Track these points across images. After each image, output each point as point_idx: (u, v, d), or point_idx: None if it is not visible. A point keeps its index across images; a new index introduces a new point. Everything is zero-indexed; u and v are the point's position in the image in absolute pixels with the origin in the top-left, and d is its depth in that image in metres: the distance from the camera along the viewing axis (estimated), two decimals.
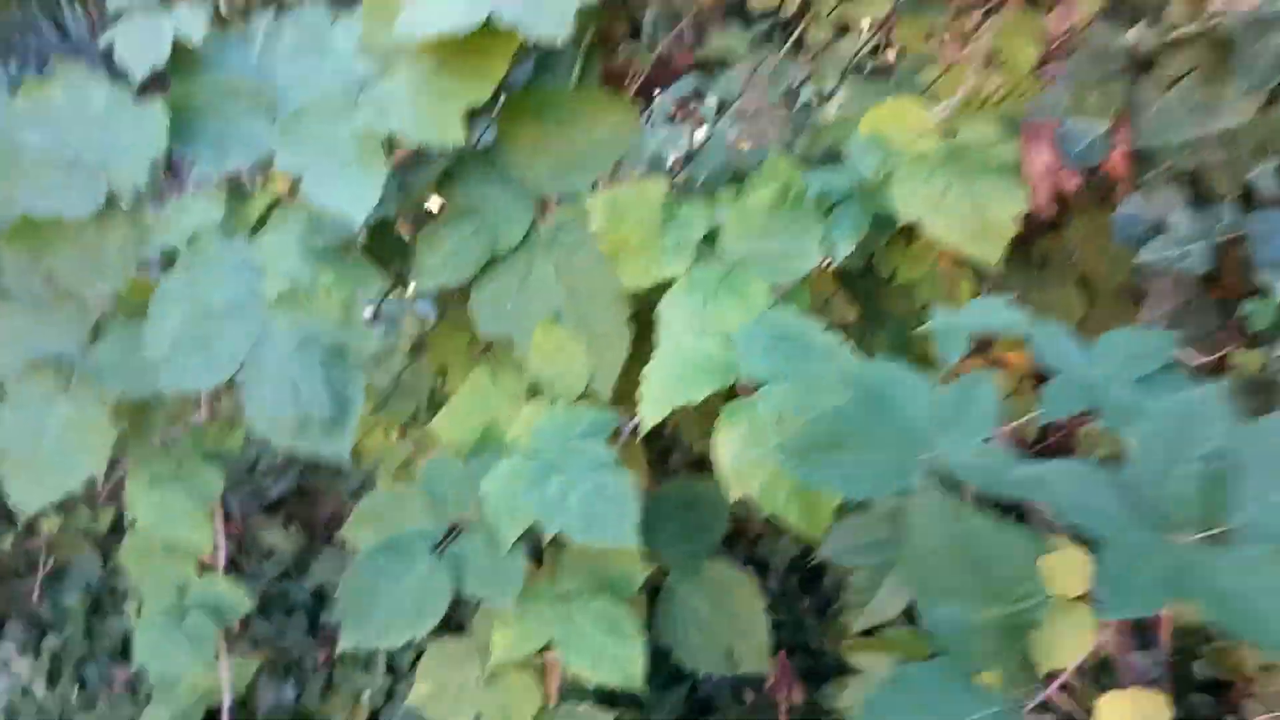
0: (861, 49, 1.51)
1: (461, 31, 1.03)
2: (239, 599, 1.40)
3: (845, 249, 1.18)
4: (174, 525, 1.32)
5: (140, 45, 1.23)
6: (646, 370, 1.09)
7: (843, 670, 1.60)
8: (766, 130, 1.46)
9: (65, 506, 2.05)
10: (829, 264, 1.23)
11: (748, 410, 1.04)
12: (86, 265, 1.18)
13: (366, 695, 1.69)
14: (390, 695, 1.69)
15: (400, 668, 1.73)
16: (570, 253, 1.22)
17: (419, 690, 1.25)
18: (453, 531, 1.17)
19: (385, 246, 1.35)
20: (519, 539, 1.11)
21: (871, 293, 1.49)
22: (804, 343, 1.09)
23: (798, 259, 1.16)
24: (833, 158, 1.45)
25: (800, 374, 1.06)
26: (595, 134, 1.22)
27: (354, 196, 1.10)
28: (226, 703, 1.47)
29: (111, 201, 1.19)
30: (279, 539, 1.95)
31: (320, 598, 1.91)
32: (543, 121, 1.23)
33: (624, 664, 1.09)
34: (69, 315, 1.27)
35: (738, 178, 1.60)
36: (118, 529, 2.05)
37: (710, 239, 1.17)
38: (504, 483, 1.13)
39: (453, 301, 1.63)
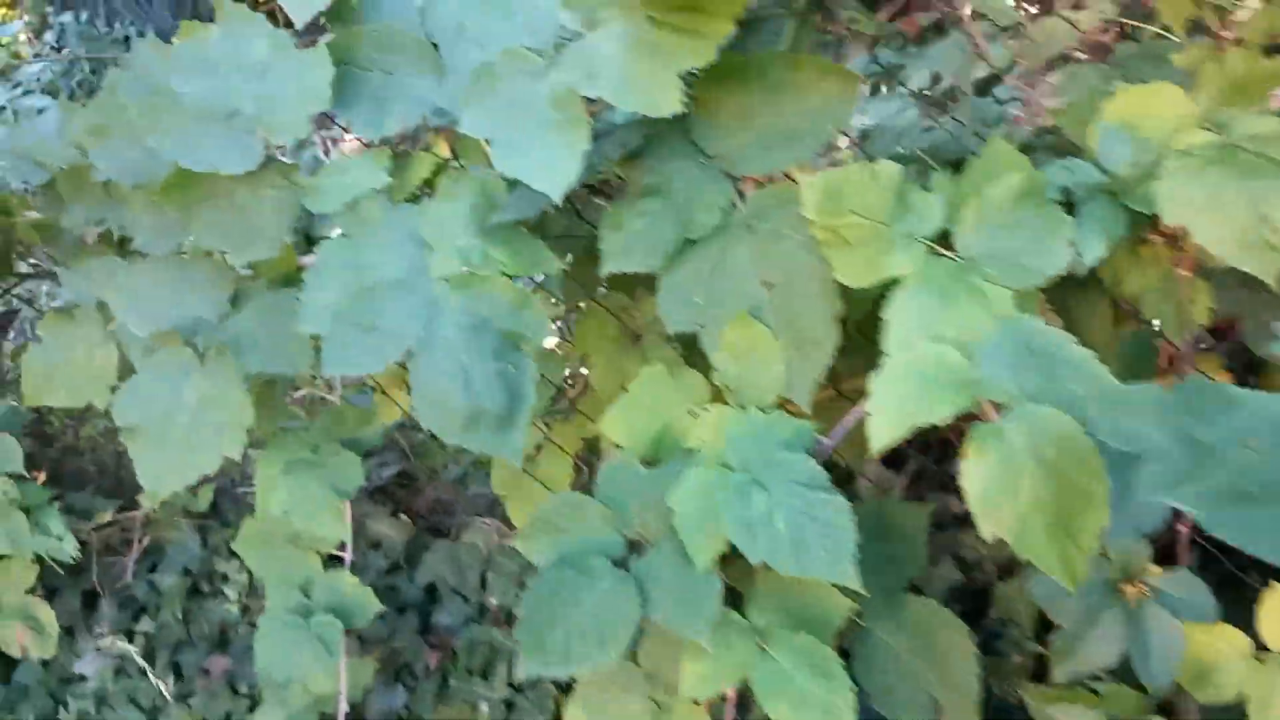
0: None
1: None
2: (367, 600, 1.29)
3: (1096, 251, 1.03)
4: (308, 516, 1.20)
5: None
6: (875, 382, 0.95)
7: (1007, 713, 1.45)
8: (973, 112, 1.31)
9: None
10: None
11: (998, 435, 0.91)
12: (239, 227, 1.06)
13: (485, 707, 1.57)
14: (511, 708, 1.56)
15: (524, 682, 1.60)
16: (772, 241, 1.08)
17: (572, 717, 1.13)
18: (636, 547, 1.04)
19: (538, 224, 1.22)
20: (713, 562, 0.98)
21: (1070, 302, 1.34)
22: (1054, 356, 0.95)
23: (1043, 259, 1.01)
24: (1044, 147, 1.31)
25: (1055, 394, 0.93)
26: (807, 106, 1.07)
27: (551, 168, 0.97)
28: (342, 709, 1.36)
29: (268, 158, 1.07)
30: (386, 528, 1.83)
31: (432, 594, 1.79)
32: (748, 90, 1.09)
33: (832, 713, 0.95)
34: (207, 280, 1.16)
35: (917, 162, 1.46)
36: (217, 509, 1.95)
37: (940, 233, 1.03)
38: (696, 496, 0.99)
39: (598, 286, 1.50)
